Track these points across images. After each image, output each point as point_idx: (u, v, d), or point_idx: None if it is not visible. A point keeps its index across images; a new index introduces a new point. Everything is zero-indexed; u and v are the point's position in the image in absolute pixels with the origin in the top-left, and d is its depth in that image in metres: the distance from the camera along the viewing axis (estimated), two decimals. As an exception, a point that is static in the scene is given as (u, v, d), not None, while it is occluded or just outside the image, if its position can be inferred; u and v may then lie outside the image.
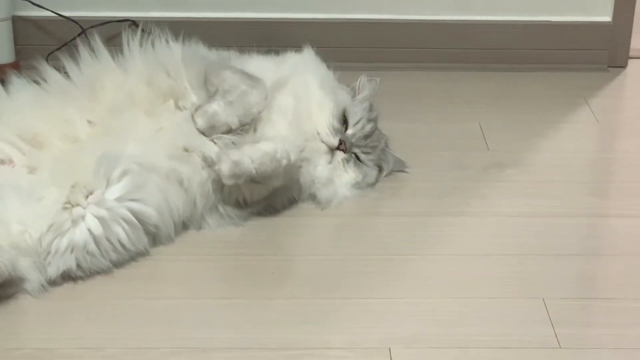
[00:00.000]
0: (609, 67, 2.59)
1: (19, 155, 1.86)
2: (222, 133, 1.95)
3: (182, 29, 2.10)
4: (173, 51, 2.03)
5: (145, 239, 1.86)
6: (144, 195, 1.85)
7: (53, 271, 1.77)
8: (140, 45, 2.02)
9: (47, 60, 2.05)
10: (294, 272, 1.87)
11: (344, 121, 2.06)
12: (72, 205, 1.79)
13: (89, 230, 1.79)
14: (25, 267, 1.75)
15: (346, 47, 2.52)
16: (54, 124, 1.89)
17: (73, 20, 2.45)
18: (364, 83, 2.14)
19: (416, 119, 2.35)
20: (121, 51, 2.02)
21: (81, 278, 1.80)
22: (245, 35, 2.47)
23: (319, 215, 2.01)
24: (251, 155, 1.88)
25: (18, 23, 2.47)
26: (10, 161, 1.86)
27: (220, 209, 1.96)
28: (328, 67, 2.13)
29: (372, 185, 2.09)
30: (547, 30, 2.55)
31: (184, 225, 1.94)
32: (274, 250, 1.91)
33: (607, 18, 2.56)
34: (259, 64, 2.07)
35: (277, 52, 2.18)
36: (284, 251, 1.92)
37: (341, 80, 2.14)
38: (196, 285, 1.81)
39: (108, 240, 1.80)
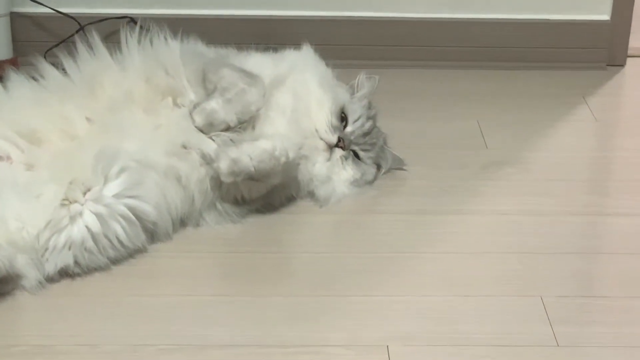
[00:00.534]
0: (607, 65, 2.60)
1: (16, 152, 1.86)
2: (221, 131, 1.94)
3: (180, 26, 2.10)
4: (171, 48, 2.03)
5: (143, 236, 1.85)
6: (142, 192, 1.84)
7: (50, 268, 1.77)
8: (139, 42, 2.02)
9: (45, 57, 2.05)
10: (292, 269, 1.87)
11: (343, 119, 2.06)
12: (70, 202, 1.79)
13: (87, 227, 1.79)
14: (23, 263, 1.75)
15: (345, 45, 2.52)
16: (52, 121, 1.89)
17: (71, 17, 2.45)
18: (363, 81, 2.14)
19: (415, 117, 2.35)
20: (119, 48, 2.02)
21: (79, 275, 1.80)
22: (243, 33, 2.47)
23: (317, 212, 2.01)
24: (250, 153, 1.88)
25: (16, 19, 2.47)
26: (8, 158, 1.85)
27: (219, 206, 1.96)
28: (327, 64, 2.13)
29: (370, 183, 2.09)
30: (546, 29, 2.55)
31: (182, 223, 1.94)
32: (272, 248, 1.91)
33: (606, 17, 2.56)
34: (258, 62, 2.07)
35: (275, 50, 2.18)
36: (282, 248, 1.92)
37: (340, 78, 2.14)
38: (194, 282, 1.81)
39: (106, 237, 1.80)
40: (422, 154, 2.19)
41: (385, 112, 2.17)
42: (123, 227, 1.81)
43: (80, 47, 2.00)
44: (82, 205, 1.79)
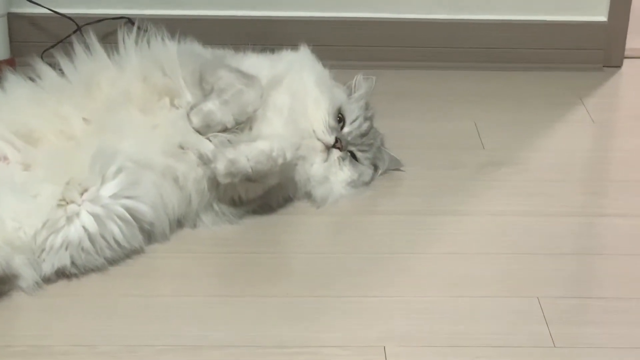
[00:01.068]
0: (604, 66, 2.60)
1: (13, 152, 1.86)
2: (218, 131, 1.94)
3: (178, 27, 2.10)
4: (169, 49, 2.03)
5: (140, 237, 1.85)
6: (139, 192, 1.84)
7: (47, 268, 1.77)
8: (136, 43, 2.02)
9: (42, 58, 2.05)
10: (289, 270, 1.87)
11: (340, 119, 2.06)
12: (67, 202, 1.79)
13: (84, 227, 1.78)
14: (20, 264, 1.75)
15: (342, 46, 2.52)
16: (49, 121, 1.89)
17: (69, 18, 2.45)
18: (360, 81, 2.14)
19: (412, 117, 2.35)
20: (117, 49, 2.02)
21: (75, 275, 1.80)
22: (241, 34, 2.47)
23: (314, 213, 2.01)
24: (247, 153, 1.88)
25: (13, 20, 2.47)
26: (5, 158, 1.85)
27: (216, 206, 1.96)
28: (324, 65, 2.13)
29: (367, 183, 2.09)
30: (542, 30, 2.56)
31: (179, 223, 1.94)
32: (269, 248, 1.91)
33: (603, 18, 2.56)
34: (255, 62, 2.07)
35: (272, 51, 2.18)
36: (279, 249, 1.92)
37: (337, 78, 2.14)
38: (191, 282, 1.81)
39: (103, 237, 1.80)
40: (419, 154, 2.19)
41: (383, 112, 2.17)
42: (120, 228, 1.81)
43: (78, 47, 2.00)
44: (79, 205, 1.79)
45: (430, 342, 1.67)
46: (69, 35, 2.38)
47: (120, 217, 1.81)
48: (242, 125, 1.97)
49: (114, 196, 1.81)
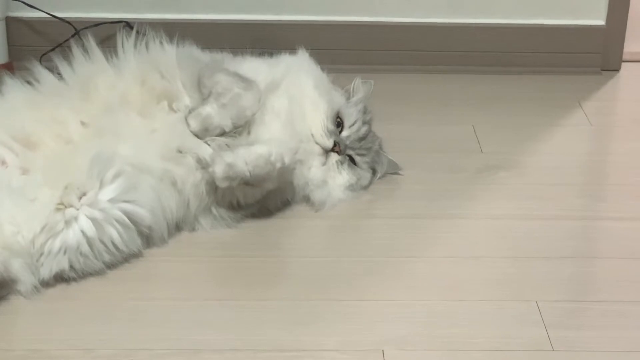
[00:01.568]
0: (602, 70, 2.60)
1: (11, 156, 1.86)
2: (216, 135, 1.94)
3: (176, 31, 2.10)
4: (167, 53, 2.03)
5: (138, 240, 1.85)
6: (137, 196, 1.84)
7: (46, 272, 1.77)
8: (135, 46, 2.02)
9: (40, 62, 2.05)
10: (287, 273, 1.87)
11: (339, 123, 2.06)
12: (65, 207, 1.79)
13: (82, 231, 1.78)
14: (18, 268, 1.75)
15: (340, 50, 2.52)
16: (47, 125, 1.89)
17: (67, 22, 2.45)
18: (358, 85, 2.14)
19: (410, 121, 2.35)
20: (115, 53, 2.02)
21: (74, 279, 1.80)
22: (239, 37, 2.47)
23: (312, 217, 2.01)
24: (245, 157, 1.88)
25: (11, 24, 2.46)
26: (3, 162, 1.85)
27: (214, 210, 1.96)
28: (322, 69, 2.13)
29: (366, 187, 2.09)
30: (540, 34, 2.56)
31: (177, 227, 1.94)
32: (267, 252, 1.91)
33: (601, 22, 2.57)
34: (253, 66, 2.07)
35: (270, 54, 2.18)
36: (277, 253, 1.92)
37: (335, 82, 2.14)
38: (189, 286, 1.81)
39: (101, 241, 1.80)
40: (417, 158, 2.19)
41: (381, 116, 2.17)
42: (118, 232, 1.81)
43: (76, 50, 2.00)
44: (78, 209, 1.79)
45: (428, 345, 1.67)
46: (67, 40, 2.38)
47: (118, 221, 1.81)
48: (241, 129, 1.97)
49: (112, 200, 1.81)
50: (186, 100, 1.98)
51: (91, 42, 2.01)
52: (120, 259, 1.84)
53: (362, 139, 2.07)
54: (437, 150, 2.24)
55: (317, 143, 2.03)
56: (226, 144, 1.94)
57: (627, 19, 2.57)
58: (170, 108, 1.97)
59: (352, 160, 2.06)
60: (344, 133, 2.06)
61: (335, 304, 1.77)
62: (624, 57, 2.62)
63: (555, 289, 1.82)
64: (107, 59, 2.00)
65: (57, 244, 1.77)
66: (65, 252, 1.78)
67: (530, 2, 2.54)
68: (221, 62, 2.08)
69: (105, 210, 1.80)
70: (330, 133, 2.03)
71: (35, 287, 1.76)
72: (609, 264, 1.89)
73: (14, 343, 1.66)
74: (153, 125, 1.93)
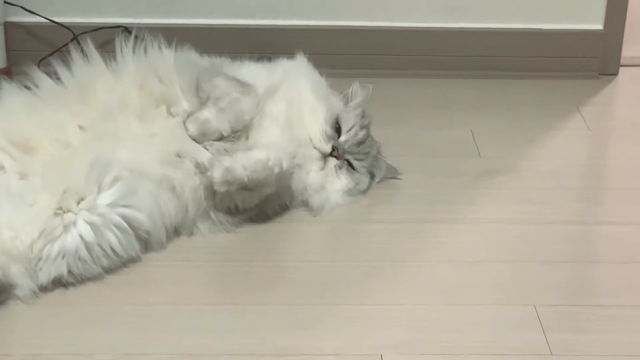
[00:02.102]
0: (600, 74, 2.60)
1: (9, 160, 1.86)
2: (214, 140, 1.95)
3: (174, 36, 2.10)
4: (165, 57, 2.03)
5: (136, 245, 1.85)
6: (135, 201, 1.84)
7: (44, 277, 1.77)
8: (133, 51, 2.02)
9: (39, 67, 2.05)
10: (286, 278, 1.87)
11: (337, 128, 2.06)
12: (64, 211, 1.79)
13: (81, 236, 1.78)
14: (16, 273, 1.75)
15: (339, 54, 2.52)
16: (46, 129, 1.89)
17: (65, 27, 2.45)
18: (357, 90, 2.14)
19: (408, 125, 2.35)
20: (114, 57, 2.02)
21: (72, 284, 1.80)
22: (237, 42, 2.47)
23: (310, 221, 2.01)
24: (243, 162, 1.88)
25: (10, 29, 2.46)
26: (1, 167, 1.85)
27: (212, 215, 1.96)
28: (320, 73, 2.13)
29: (364, 192, 2.09)
30: (538, 38, 2.56)
31: (175, 231, 1.94)
32: (265, 256, 1.91)
33: (599, 26, 2.57)
34: (251, 71, 2.07)
35: (269, 59, 2.18)
36: (276, 257, 1.92)
37: (334, 87, 2.14)
38: (187, 291, 1.81)
39: (99, 246, 1.80)
40: (416, 162, 2.19)
41: (379, 121, 2.17)
42: (117, 237, 1.81)
43: (75, 55, 2.00)
44: (76, 214, 1.79)
45: (427, 350, 1.67)
46: (66, 44, 2.38)
47: (117, 226, 1.81)
48: (239, 133, 1.97)
49: (111, 205, 1.81)
50: (184, 105, 1.98)
51: (90, 47, 2.01)
52: (119, 264, 1.84)
53: (360, 143, 2.07)
54: (436, 154, 2.24)
55: (315, 148, 2.03)
56: (224, 149, 1.94)
57: (625, 24, 2.57)
58: (169, 112, 1.97)
59: (350, 165, 2.06)
60: (343, 137, 2.06)
61: (334, 309, 1.77)
62: (622, 61, 2.62)
63: (553, 293, 1.82)
64: (105, 63, 2.01)
65: (55, 248, 1.77)
66: (63, 257, 1.77)
67: (528, 6, 2.54)
68: (219, 66, 2.08)
69: (104, 215, 1.80)
70: (328, 138, 2.03)
71: (34, 292, 1.76)
72: (607, 268, 1.90)
73: (13, 348, 1.66)
74: (151, 130, 1.93)
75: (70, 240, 1.78)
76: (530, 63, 2.58)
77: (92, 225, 1.79)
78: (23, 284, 1.75)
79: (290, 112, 2.02)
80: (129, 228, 1.83)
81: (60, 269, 1.77)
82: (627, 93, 2.56)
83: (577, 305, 1.81)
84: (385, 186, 2.12)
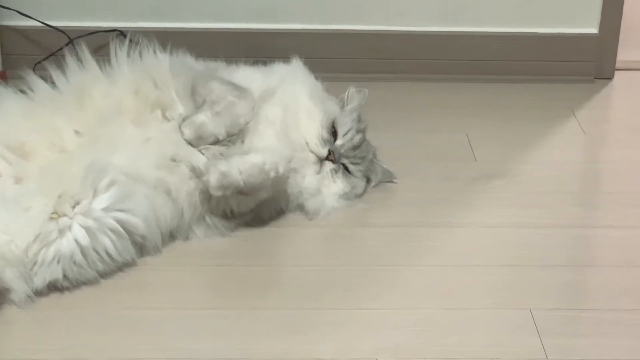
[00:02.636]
0: (595, 78, 2.60)
1: (5, 165, 1.85)
2: (210, 144, 1.94)
3: (169, 40, 2.10)
4: (161, 61, 2.03)
5: (132, 249, 1.85)
6: (131, 205, 1.84)
7: (39, 281, 1.77)
8: (128, 55, 2.02)
9: (34, 70, 2.05)
10: (281, 282, 1.87)
11: (333, 132, 2.06)
12: (59, 215, 1.79)
13: (76, 240, 1.78)
14: (11, 277, 1.74)
15: (334, 58, 2.52)
16: (41, 134, 1.89)
17: (60, 30, 2.45)
18: (353, 94, 2.14)
19: (404, 129, 2.35)
20: (109, 61, 2.02)
21: (68, 288, 1.79)
22: (233, 46, 2.47)
23: (306, 225, 2.01)
24: (239, 166, 1.88)
25: (5, 32, 2.46)
26: (-3, 171, 1.85)
27: (208, 219, 1.95)
28: (316, 77, 2.13)
29: (360, 196, 2.09)
30: (534, 42, 2.56)
31: (171, 236, 1.94)
32: (261, 261, 1.91)
33: (594, 30, 2.57)
34: (247, 75, 2.07)
35: (265, 63, 2.18)
36: (271, 261, 1.92)
37: (329, 91, 2.14)
38: (183, 295, 1.81)
39: (95, 250, 1.80)
40: (411, 166, 2.19)
41: (375, 125, 2.17)
42: (112, 241, 1.81)
43: (70, 59, 2.00)
44: (71, 218, 1.79)
45: (423, 354, 1.67)
46: (61, 48, 2.37)
47: (112, 230, 1.81)
48: (235, 137, 1.97)
49: (106, 209, 1.81)
50: (180, 109, 1.98)
51: (85, 51, 2.01)
52: (114, 268, 1.84)
53: (356, 147, 2.07)
54: (431, 158, 2.24)
55: (311, 151, 2.03)
56: (220, 153, 1.94)
57: (620, 28, 2.57)
58: (164, 117, 1.97)
59: (346, 169, 2.06)
60: (339, 142, 2.06)
61: (329, 313, 1.76)
62: (617, 65, 2.62)
63: (549, 297, 1.82)
64: (100, 68, 2.00)
65: (50, 253, 1.77)
66: (58, 261, 1.77)
67: (523, 10, 2.55)
68: (215, 70, 2.09)
69: (99, 219, 1.80)
70: (324, 141, 2.03)
71: (29, 296, 1.76)
72: (602, 272, 1.90)
73: (7, 353, 1.66)
74: (147, 134, 1.93)
75: (66, 244, 1.78)
76: (525, 67, 2.58)
77: (87, 229, 1.79)
78: (18, 288, 1.75)
79: (286, 116, 2.02)
80: (124, 232, 1.83)
81: (55, 273, 1.77)
82: (622, 97, 2.57)
83: (573, 309, 1.81)
84: (381, 190, 2.12)
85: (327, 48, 2.52)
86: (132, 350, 1.66)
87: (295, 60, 2.14)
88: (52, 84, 1.98)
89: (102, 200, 1.81)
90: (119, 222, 1.82)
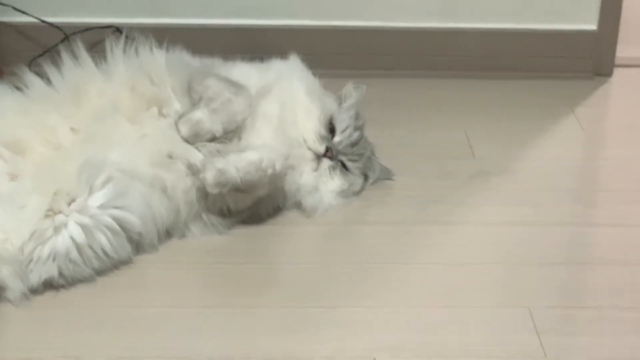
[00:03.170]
0: (594, 75, 2.60)
1: (0, 162, 1.84)
2: (207, 141, 1.94)
3: (166, 36, 2.09)
4: (157, 58, 2.02)
5: (128, 247, 1.84)
6: (127, 202, 1.83)
7: (35, 279, 1.76)
8: (124, 51, 2.02)
9: (29, 67, 2.04)
10: (278, 280, 1.86)
11: (331, 129, 2.05)
12: (55, 213, 1.78)
13: (72, 237, 1.78)
14: (7, 275, 1.74)
15: (332, 55, 2.51)
16: (37, 131, 1.88)
17: (56, 27, 2.44)
18: (350, 91, 2.13)
19: (402, 126, 2.34)
20: (104, 58, 2.01)
21: (63, 286, 1.79)
22: (229, 43, 2.46)
23: (304, 223, 2.01)
24: (236, 164, 1.87)
25: (0, 29, 2.45)
26: (-8, 168, 1.84)
27: (204, 217, 1.95)
28: (314, 74, 2.12)
29: (357, 193, 2.08)
30: (533, 38, 2.56)
31: (167, 233, 1.93)
32: (258, 259, 1.90)
33: (593, 26, 2.57)
34: (244, 71, 2.06)
35: (262, 60, 2.17)
36: (268, 259, 1.91)
37: (327, 87, 2.13)
38: (180, 293, 1.80)
39: (91, 248, 1.79)
40: (410, 164, 2.18)
41: (373, 122, 2.17)
42: (108, 238, 1.80)
43: (65, 56, 1.99)
44: (67, 216, 1.78)
45: (421, 352, 1.67)
46: (57, 44, 2.36)
47: (108, 228, 1.80)
48: (231, 134, 1.96)
49: (102, 206, 1.81)
50: (176, 106, 1.97)
51: (80, 48, 2.00)
52: (110, 266, 1.83)
53: (354, 144, 2.06)
54: (429, 155, 2.24)
55: (309, 148, 2.02)
56: (217, 150, 1.93)
57: (619, 24, 2.57)
58: (160, 114, 1.96)
59: (344, 166, 2.05)
60: (336, 138, 2.05)
61: (327, 311, 1.76)
62: (616, 62, 2.62)
63: (547, 295, 1.81)
64: (96, 64, 2.00)
65: (46, 250, 1.76)
66: (54, 259, 1.77)
67: (522, 6, 2.54)
68: (211, 67, 2.08)
69: (95, 216, 1.80)
70: (322, 138, 2.02)
71: (24, 294, 1.75)
72: (601, 270, 1.89)
73: (3, 351, 1.65)
74: (143, 131, 1.92)
75: (61, 241, 1.77)
76: (524, 63, 2.57)
77: (83, 226, 1.78)
78: (13, 286, 1.74)
79: (284, 112, 2.02)
80: (120, 229, 1.82)
81: (50, 270, 1.77)
82: (621, 94, 2.56)
83: (571, 307, 1.80)
84: (378, 187, 2.12)
85: (325, 44, 2.52)
86: (128, 348, 1.66)
87: (293, 57, 2.14)
88: (48, 80, 1.97)
89: (98, 198, 1.81)
90: (115, 219, 1.81)
